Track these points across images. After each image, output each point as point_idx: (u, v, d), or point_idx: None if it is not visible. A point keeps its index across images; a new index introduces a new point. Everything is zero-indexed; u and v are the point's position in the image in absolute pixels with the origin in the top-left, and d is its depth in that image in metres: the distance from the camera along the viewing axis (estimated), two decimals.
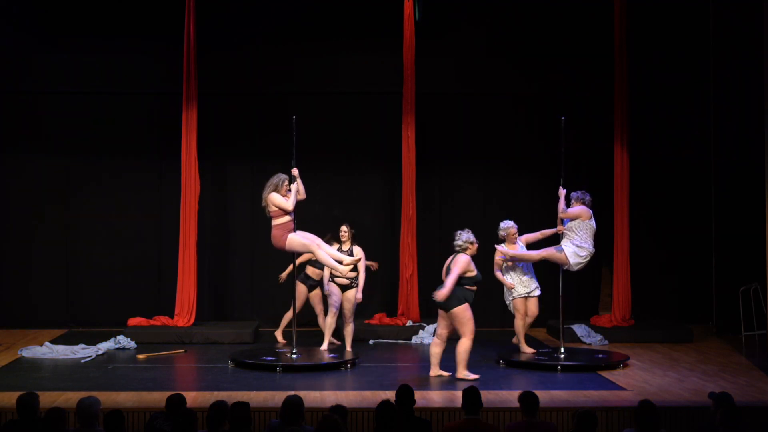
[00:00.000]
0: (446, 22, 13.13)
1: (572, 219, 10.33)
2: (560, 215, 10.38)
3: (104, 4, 12.84)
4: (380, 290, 13.15)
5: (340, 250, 10.53)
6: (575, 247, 10.25)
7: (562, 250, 10.32)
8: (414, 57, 12.18)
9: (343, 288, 10.68)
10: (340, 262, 9.85)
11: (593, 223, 10.37)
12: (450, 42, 13.25)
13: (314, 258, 10.28)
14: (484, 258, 12.74)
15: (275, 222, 9.89)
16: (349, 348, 10.80)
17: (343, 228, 10.74)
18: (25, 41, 12.94)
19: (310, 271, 11.14)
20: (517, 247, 10.53)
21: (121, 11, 12.84)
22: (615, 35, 12.07)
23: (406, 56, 12.20)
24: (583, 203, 10.39)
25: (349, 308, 10.71)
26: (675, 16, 13.13)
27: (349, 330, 10.86)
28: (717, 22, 12.84)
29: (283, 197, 9.82)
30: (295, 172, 9.98)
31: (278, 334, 11.58)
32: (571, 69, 13.24)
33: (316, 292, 11.27)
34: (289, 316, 11.25)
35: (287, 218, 9.88)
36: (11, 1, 12.78)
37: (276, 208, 9.82)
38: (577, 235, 10.27)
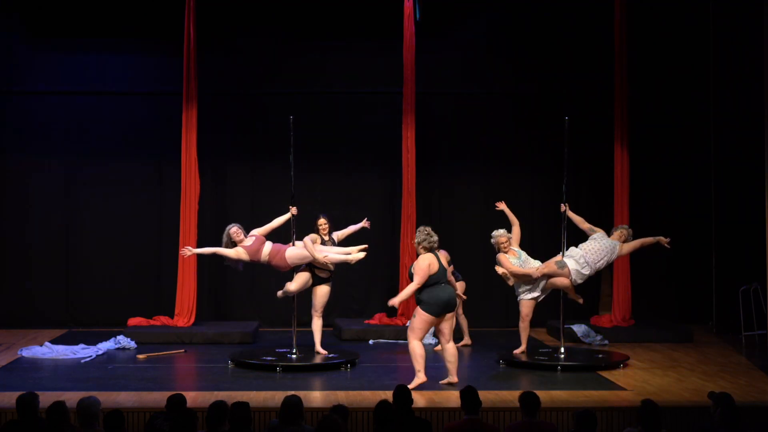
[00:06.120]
0: (446, 22, 13.15)
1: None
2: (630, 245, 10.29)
3: (104, 4, 12.83)
4: (380, 290, 13.15)
5: (323, 243, 10.28)
6: (581, 265, 10.01)
7: (564, 266, 10.06)
8: (414, 57, 12.17)
9: (320, 281, 10.33)
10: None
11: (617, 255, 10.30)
12: (450, 42, 13.26)
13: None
14: (484, 258, 12.79)
15: (265, 259, 10.10)
16: (319, 345, 10.38)
17: (323, 220, 10.33)
18: (25, 41, 12.94)
19: None
20: (514, 254, 10.36)
21: (121, 11, 12.84)
22: (615, 35, 12.07)
23: (406, 56, 12.19)
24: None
25: (322, 303, 10.38)
26: (675, 16, 13.14)
27: (318, 325, 10.43)
28: (717, 22, 12.84)
29: (240, 246, 10.07)
30: (294, 211, 10.14)
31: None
32: (572, 69, 13.25)
33: None
34: None
35: (267, 246, 10.09)
36: (11, 2, 12.78)
37: (250, 257, 10.06)
38: (592, 255, 10.06)
